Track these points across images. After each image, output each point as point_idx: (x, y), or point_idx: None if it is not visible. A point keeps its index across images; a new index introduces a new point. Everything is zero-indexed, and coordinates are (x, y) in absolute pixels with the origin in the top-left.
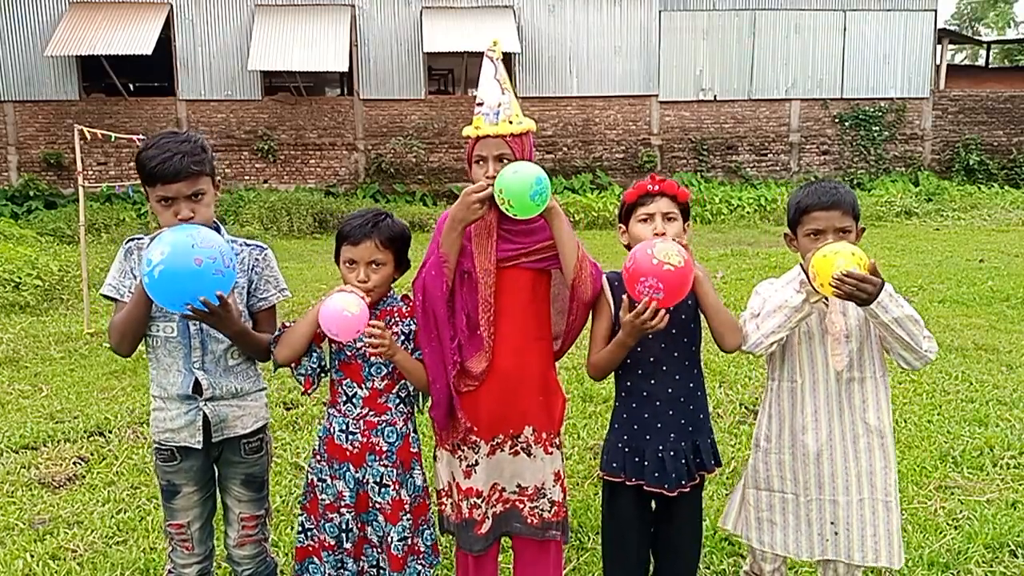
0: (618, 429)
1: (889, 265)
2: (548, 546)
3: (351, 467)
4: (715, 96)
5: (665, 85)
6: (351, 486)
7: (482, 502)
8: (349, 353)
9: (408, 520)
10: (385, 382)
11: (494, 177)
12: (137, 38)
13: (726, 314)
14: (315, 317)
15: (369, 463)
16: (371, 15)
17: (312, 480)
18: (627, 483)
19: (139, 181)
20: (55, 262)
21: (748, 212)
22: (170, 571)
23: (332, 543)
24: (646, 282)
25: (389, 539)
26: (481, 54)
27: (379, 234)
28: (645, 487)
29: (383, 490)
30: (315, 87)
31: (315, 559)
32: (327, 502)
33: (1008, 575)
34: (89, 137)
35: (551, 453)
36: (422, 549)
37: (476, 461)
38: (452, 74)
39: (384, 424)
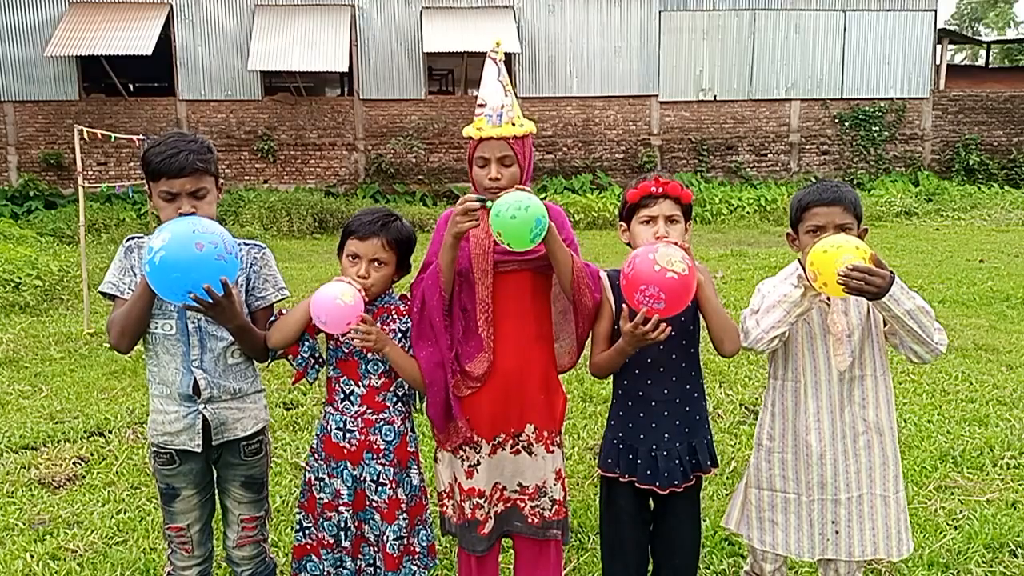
0: (614, 427)
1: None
2: (548, 546)
3: (349, 465)
4: (715, 96)
5: (665, 85)
6: (349, 484)
7: (484, 502)
8: (346, 350)
9: (404, 520)
10: (382, 380)
11: (496, 179)
12: (137, 38)
13: (726, 319)
14: (308, 309)
15: (366, 461)
16: (371, 15)
17: (310, 479)
18: (621, 480)
19: (139, 181)
20: (55, 262)
21: (748, 212)
22: (169, 573)
23: (330, 541)
24: (646, 291)
25: (385, 538)
26: (481, 54)
27: (387, 234)
28: (637, 484)
29: (380, 489)
30: (315, 87)
31: (313, 556)
32: (325, 500)
33: (1008, 575)
34: (89, 137)
35: (552, 452)
36: (418, 550)
37: (478, 461)
38: (452, 74)
39: (382, 422)
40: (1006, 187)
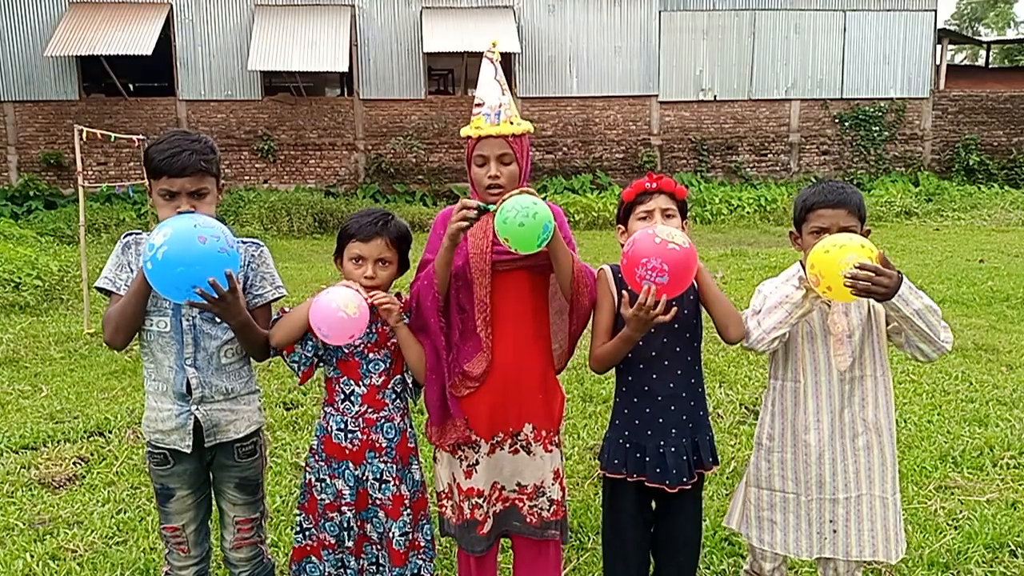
0: (619, 425)
1: None
2: (547, 546)
3: (351, 465)
4: (715, 96)
5: (665, 85)
6: (351, 484)
7: (483, 502)
8: (347, 351)
9: (408, 515)
10: (382, 378)
11: (496, 177)
12: (137, 38)
13: (728, 305)
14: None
15: (369, 460)
16: (371, 15)
17: (310, 480)
18: (628, 480)
19: (139, 181)
20: (55, 262)
21: (748, 212)
22: (167, 573)
23: (332, 542)
24: (648, 263)
25: (391, 535)
26: (481, 54)
27: (388, 233)
28: (647, 483)
29: (383, 486)
30: (315, 87)
31: (313, 558)
32: (327, 501)
33: (1008, 575)
34: (89, 137)
35: (551, 451)
36: (422, 544)
37: (477, 460)
38: (452, 74)
39: (383, 420)
40: (1006, 187)
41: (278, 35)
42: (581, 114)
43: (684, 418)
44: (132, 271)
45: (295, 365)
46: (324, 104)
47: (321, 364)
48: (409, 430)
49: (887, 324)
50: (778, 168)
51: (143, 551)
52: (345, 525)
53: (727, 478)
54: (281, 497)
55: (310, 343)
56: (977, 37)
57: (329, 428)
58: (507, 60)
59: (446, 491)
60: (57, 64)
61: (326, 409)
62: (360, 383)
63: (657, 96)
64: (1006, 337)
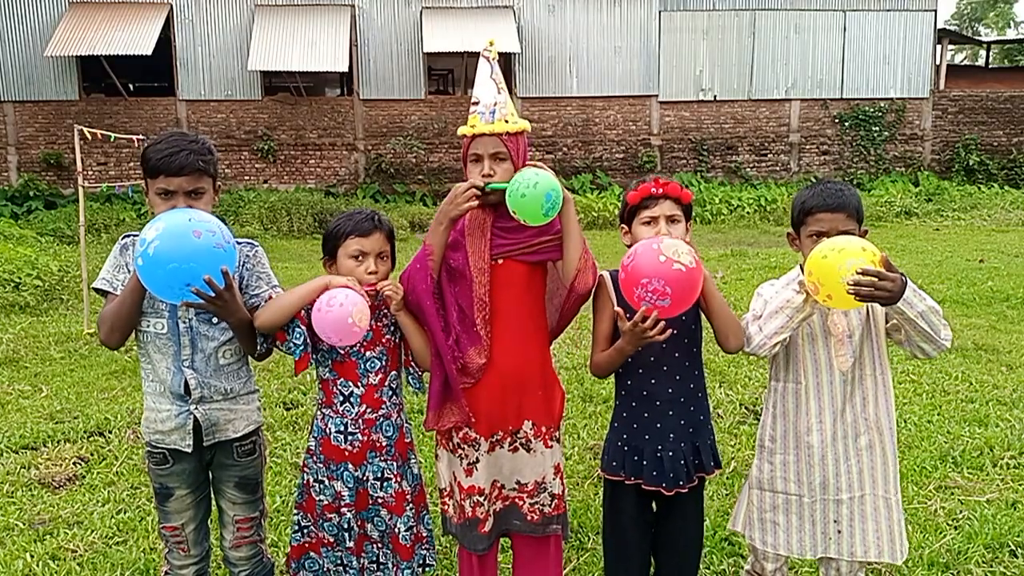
0: (618, 428)
1: None
2: (547, 543)
3: (350, 466)
4: (715, 96)
5: (665, 85)
6: (350, 485)
7: (484, 500)
8: (343, 352)
9: (411, 510)
10: (379, 376)
11: (489, 175)
12: (137, 38)
13: (730, 315)
14: (310, 295)
15: (370, 460)
16: (371, 15)
17: (308, 480)
18: (627, 482)
19: (139, 181)
20: (55, 262)
21: (748, 212)
22: (167, 572)
23: (331, 540)
24: (649, 285)
25: (396, 530)
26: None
27: (383, 227)
28: (643, 486)
29: (385, 484)
30: (315, 87)
31: (312, 554)
32: (325, 503)
33: (1008, 575)
34: (89, 137)
35: (551, 447)
36: (424, 535)
37: (477, 459)
38: (452, 74)
39: (382, 419)
40: (1006, 187)
41: (278, 35)
42: (581, 114)
43: (683, 423)
44: (130, 272)
45: (290, 352)
46: (324, 104)
47: (314, 360)
48: (406, 426)
49: (886, 322)
50: (778, 168)
51: (143, 551)
52: (345, 526)
53: (727, 478)
54: (281, 497)
55: (297, 331)
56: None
57: (328, 430)
58: (507, 60)
59: (447, 489)
60: (57, 64)
61: (324, 411)
62: (358, 384)
63: (657, 96)
64: (1006, 337)
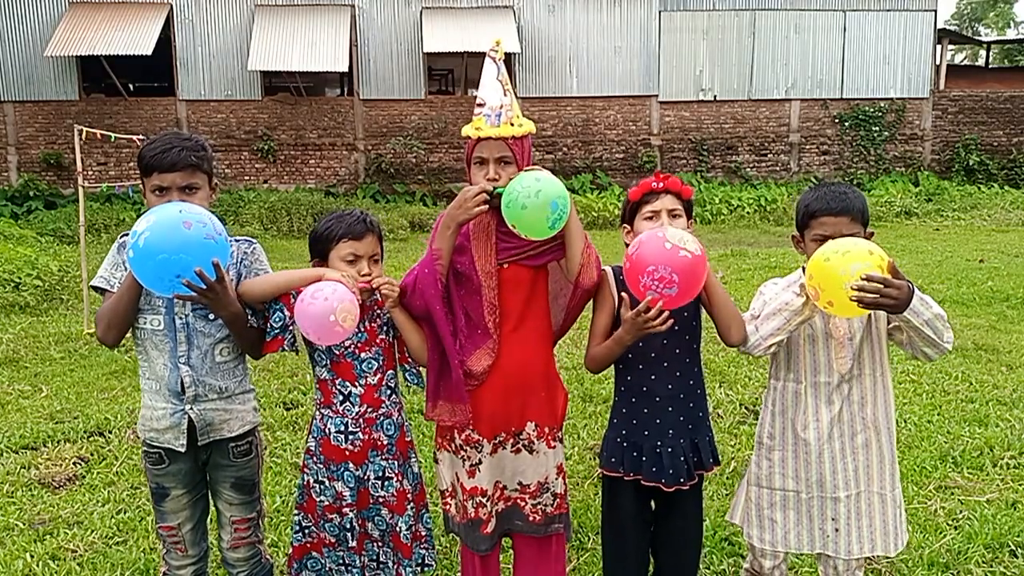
0: (617, 424)
1: None
2: (549, 542)
3: (351, 466)
4: (715, 96)
5: (665, 85)
6: (351, 485)
7: (487, 501)
8: (338, 352)
9: (412, 508)
10: (377, 376)
11: (494, 179)
12: (137, 38)
13: (732, 307)
14: (301, 280)
15: (371, 459)
16: (371, 15)
17: (308, 481)
18: (625, 478)
19: (138, 181)
20: (55, 262)
21: (748, 212)
22: (165, 573)
23: (332, 540)
24: (655, 273)
25: (397, 529)
26: (481, 54)
27: (374, 229)
28: (643, 481)
29: (386, 483)
30: (315, 87)
31: (314, 554)
32: (326, 503)
33: (1008, 575)
34: (89, 137)
35: (553, 447)
36: (423, 533)
37: (479, 460)
38: (452, 74)
39: (382, 417)
40: (1006, 187)
41: (278, 35)
42: (581, 114)
43: (682, 419)
44: (127, 270)
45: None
46: (324, 104)
47: (294, 337)
48: (406, 424)
49: (888, 323)
50: (778, 168)
51: (143, 551)
52: (347, 526)
53: (727, 478)
54: (281, 497)
55: (277, 315)
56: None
57: (327, 430)
58: (507, 60)
59: (449, 490)
60: (57, 64)
61: (323, 411)
62: (357, 383)
63: (657, 96)
64: (1006, 337)
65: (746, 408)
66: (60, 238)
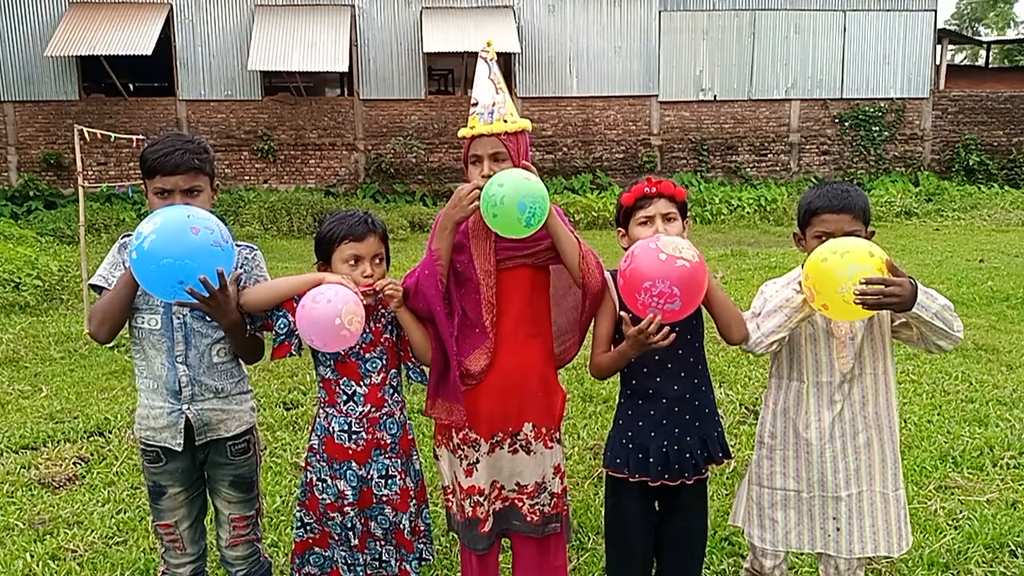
0: (622, 426)
1: None
2: (548, 542)
3: (354, 465)
4: (715, 96)
5: (665, 85)
6: (353, 484)
7: (484, 500)
8: (343, 352)
9: (414, 505)
10: (381, 376)
11: (488, 176)
12: (137, 38)
13: (732, 306)
14: (301, 287)
15: (375, 458)
16: (371, 15)
17: (311, 479)
18: (630, 479)
19: (139, 181)
20: (55, 262)
21: (748, 212)
22: (163, 572)
23: (335, 538)
24: (653, 288)
25: (401, 526)
26: None
27: (377, 229)
28: (650, 483)
29: (390, 482)
30: (315, 87)
31: (316, 548)
32: (328, 502)
33: (1008, 575)
34: (89, 137)
35: (551, 447)
36: (422, 528)
37: (477, 459)
38: (452, 74)
39: (385, 417)
40: (1006, 187)
41: (278, 35)
42: (581, 114)
43: (688, 418)
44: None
45: (274, 340)
46: (324, 104)
47: (315, 359)
48: (408, 423)
49: (893, 321)
50: (778, 168)
51: (143, 551)
52: (349, 524)
53: (727, 478)
54: (281, 497)
55: (281, 321)
56: (977, 37)
57: (331, 429)
58: (507, 60)
59: (450, 487)
60: (57, 64)
61: (327, 410)
62: (361, 383)
63: (657, 96)
64: (1006, 337)
65: (746, 408)
66: (60, 238)
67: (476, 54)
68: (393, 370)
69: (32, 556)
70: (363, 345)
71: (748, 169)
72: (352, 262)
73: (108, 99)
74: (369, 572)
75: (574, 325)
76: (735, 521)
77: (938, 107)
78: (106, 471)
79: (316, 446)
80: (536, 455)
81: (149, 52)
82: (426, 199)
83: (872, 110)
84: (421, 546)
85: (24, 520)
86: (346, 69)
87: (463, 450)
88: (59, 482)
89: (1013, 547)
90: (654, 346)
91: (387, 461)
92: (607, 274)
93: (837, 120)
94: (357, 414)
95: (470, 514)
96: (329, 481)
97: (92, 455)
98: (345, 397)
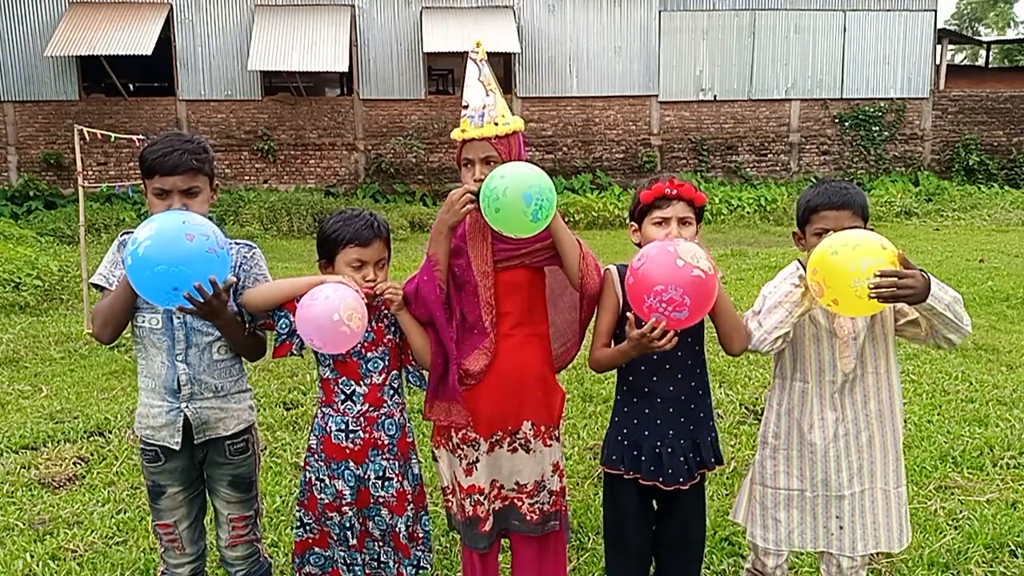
0: (618, 423)
1: None
2: (548, 541)
3: (351, 464)
4: (715, 96)
5: (665, 85)
6: (351, 484)
7: (484, 499)
8: (345, 351)
9: (411, 509)
10: (382, 376)
11: (480, 180)
12: (137, 38)
13: (736, 317)
14: (301, 288)
15: (371, 458)
16: (371, 15)
17: (310, 478)
18: (625, 476)
19: (139, 181)
20: (55, 262)
21: (748, 212)
22: (163, 572)
23: (335, 537)
24: (664, 294)
25: (397, 529)
26: None
27: (381, 233)
28: (641, 480)
29: (386, 483)
30: (315, 87)
31: (316, 548)
32: (326, 501)
33: (1008, 575)
34: (89, 137)
35: (550, 446)
36: (420, 535)
37: (476, 459)
38: (452, 74)
39: (383, 417)
40: (1006, 187)
41: (278, 35)
42: (581, 114)
43: (683, 420)
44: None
45: (276, 340)
46: (324, 104)
47: (316, 359)
48: (407, 425)
49: (897, 320)
50: (778, 168)
51: (143, 551)
52: (347, 524)
53: (727, 478)
54: (281, 497)
55: (283, 321)
56: (977, 37)
57: (328, 428)
58: (507, 60)
59: (449, 487)
60: (57, 64)
61: (324, 409)
62: (361, 383)
63: (657, 96)
64: (1006, 337)
65: (746, 408)
66: (60, 238)
67: None
68: (395, 371)
69: (32, 556)
70: (365, 344)
71: (748, 169)
72: (356, 266)
73: (108, 99)
74: (368, 572)
75: (571, 325)
76: (736, 518)
77: (938, 107)
78: (106, 471)
79: (314, 446)
80: (535, 454)
81: (149, 52)
82: (426, 199)
83: (872, 110)
84: (419, 553)
85: (24, 520)
86: (346, 69)
87: (462, 450)
88: (59, 482)
89: (1013, 547)
90: (656, 350)
91: (384, 462)
92: (613, 268)
93: (837, 120)
94: (354, 413)
95: (470, 513)
96: (327, 481)
97: (92, 455)
98: (343, 396)
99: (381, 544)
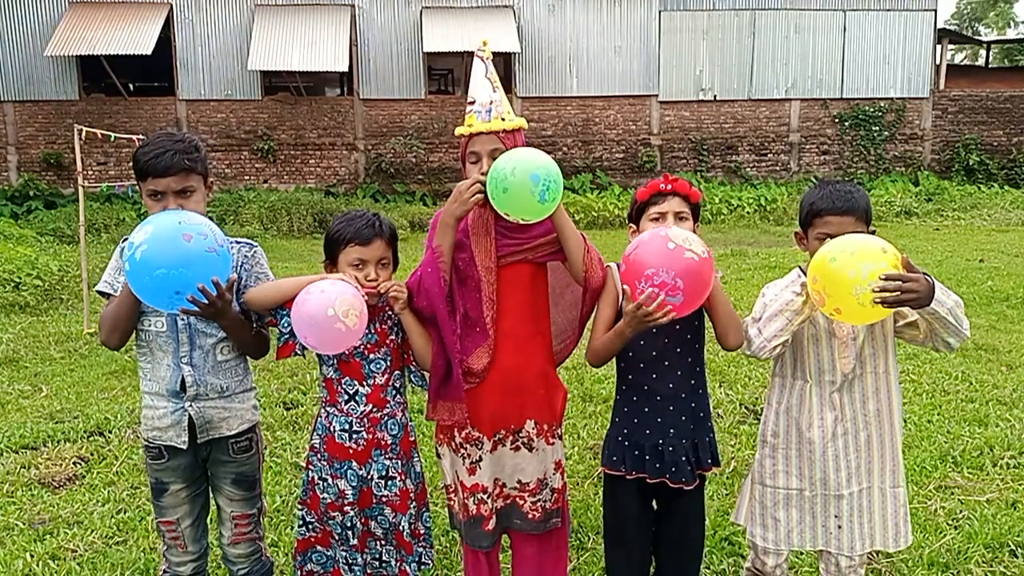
0: (618, 423)
1: None
2: (549, 540)
3: (354, 464)
4: (715, 96)
5: (665, 85)
6: (353, 483)
7: (488, 498)
8: (347, 352)
9: (414, 507)
10: (385, 376)
11: (487, 174)
12: (137, 38)
13: (732, 311)
14: (301, 287)
15: (374, 458)
16: (371, 15)
17: (313, 478)
18: (627, 477)
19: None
20: (55, 262)
21: (748, 212)
22: (165, 571)
23: (336, 536)
24: (655, 277)
25: (400, 528)
26: None
27: (384, 232)
28: (648, 479)
29: (389, 483)
30: (315, 87)
31: (319, 547)
32: (328, 501)
33: (1008, 575)
34: (89, 137)
35: (553, 444)
36: (422, 532)
37: (480, 457)
38: (452, 74)
39: (386, 417)
40: (1006, 187)
41: (278, 35)
42: (581, 114)
43: (683, 419)
44: None
45: (278, 340)
46: (324, 104)
47: (319, 359)
48: (409, 424)
49: (897, 322)
50: (778, 168)
51: (143, 551)
52: (348, 524)
53: (727, 478)
54: (281, 497)
55: (285, 320)
56: (977, 37)
57: (332, 428)
58: (507, 60)
59: (452, 486)
60: (57, 64)
61: (328, 409)
62: (364, 383)
63: (657, 96)
64: (1006, 337)
65: (746, 408)
66: (60, 238)
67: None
68: (397, 372)
69: (32, 556)
70: (367, 345)
71: (748, 169)
72: (357, 265)
73: (108, 99)
74: (369, 572)
75: (572, 323)
76: (737, 519)
77: (938, 107)
78: (106, 471)
79: (317, 445)
80: (538, 452)
81: (149, 52)
82: (426, 199)
83: (872, 110)
84: (421, 549)
85: (24, 520)
86: (346, 69)
87: (466, 448)
88: (59, 482)
89: (1013, 547)
90: (652, 323)
91: (387, 462)
92: (613, 265)
93: (837, 120)
94: (358, 413)
95: (474, 512)
96: (330, 480)
97: (92, 455)
98: (347, 396)
99: (383, 543)
